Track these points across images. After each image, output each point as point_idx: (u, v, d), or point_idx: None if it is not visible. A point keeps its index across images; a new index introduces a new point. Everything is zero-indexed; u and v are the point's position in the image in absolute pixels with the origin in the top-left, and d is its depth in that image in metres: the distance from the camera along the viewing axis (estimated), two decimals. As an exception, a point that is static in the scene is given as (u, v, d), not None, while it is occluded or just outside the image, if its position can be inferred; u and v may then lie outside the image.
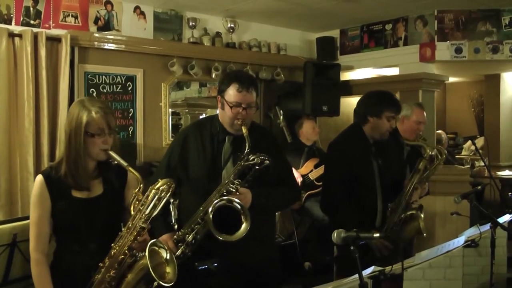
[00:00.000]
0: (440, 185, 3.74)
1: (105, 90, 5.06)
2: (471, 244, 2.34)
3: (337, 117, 6.10)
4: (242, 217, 2.31)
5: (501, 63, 5.97)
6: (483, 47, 5.63)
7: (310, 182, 4.89)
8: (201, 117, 5.87)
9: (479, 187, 3.45)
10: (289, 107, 5.99)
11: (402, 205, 3.08)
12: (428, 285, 2.03)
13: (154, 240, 2.05)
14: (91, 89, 4.97)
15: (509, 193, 5.50)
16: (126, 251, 2.06)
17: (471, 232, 2.46)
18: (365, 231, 1.87)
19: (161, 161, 2.76)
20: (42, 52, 4.50)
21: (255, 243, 2.43)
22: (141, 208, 2.07)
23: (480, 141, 6.98)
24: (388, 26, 6.19)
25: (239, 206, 2.32)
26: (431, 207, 4.43)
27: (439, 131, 6.70)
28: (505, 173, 6.53)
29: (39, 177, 2.18)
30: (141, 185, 2.10)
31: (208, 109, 6.06)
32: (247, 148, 2.40)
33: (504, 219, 2.63)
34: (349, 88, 6.44)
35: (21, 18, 4.61)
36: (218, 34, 5.84)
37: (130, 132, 5.24)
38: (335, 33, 6.66)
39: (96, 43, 4.93)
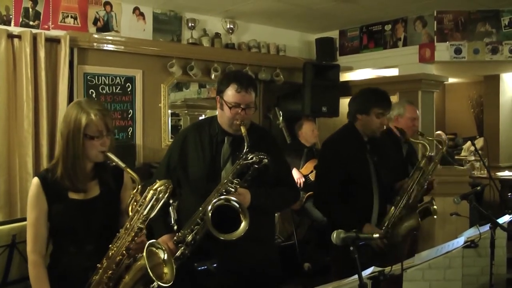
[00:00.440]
0: (439, 185, 3.74)
1: (104, 91, 5.06)
2: (470, 244, 2.33)
3: (337, 118, 6.09)
4: (241, 215, 2.31)
5: (501, 63, 5.98)
6: (482, 48, 5.63)
7: (311, 183, 4.89)
8: (200, 118, 5.87)
9: (478, 188, 3.46)
10: (289, 108, 5.99)
11: (403, 203, 3.08)
12: (428, 285, 2.03)
13: (152, 240, 2.05)
14: (90, 90, 4.97)
15: (509, 194, 5.50)
16: (124, 252, 2.06)
17: (471, 232, 2.45)
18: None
19: (161, 162, 2.77)
20: (41, 53, 4.49)
21: (255, 244, 2.44)
22: (139, 209, 2.07)
23: (479, 142, 6.98)
24: (388, 27, 6.19)
25: (237, 205, 2.32)
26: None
27: (438, 132, 6.70)
28: (505, 173, 6.54)
29: (35, 179, 2.17)
30: (139, 186, 2.10)
31: (208, 110, 6.05)
32: (245, 147, 2.40)
33: (503, 219, 2.63)
34: (348, 89, 6.44)
35: (20, 19, 4.61)
36: (217, 35, 5.84)
37: (129, 133, 5.23)
38: (334, 34, 6.67)
39: (95, 44, 4.93)
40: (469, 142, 7.35)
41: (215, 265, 2.28)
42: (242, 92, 2.46)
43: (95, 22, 5.04)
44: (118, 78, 5.15)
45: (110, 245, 2.09)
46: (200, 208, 2.39)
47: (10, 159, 4.42)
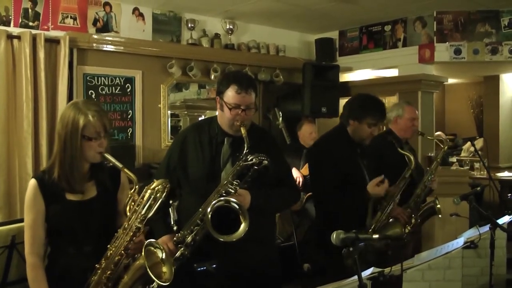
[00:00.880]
0: (439, 186, 3.75)
1: (104, 92, 5.06)
2: (470, 245, 2.33)
3: (336, 118, 6.08)
4: (241, 217, 2.31)
5: (500, 64, 5.97)
6: (482, 48, 5.63)
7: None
8: (200, 118, 5.87)
9: (478, 188, 3.47)
10: (288, 108, 5.98)
11: (390, 207, 3.11)
12: (428, 286, 2.03)
13: (150, 240, 2.05)
14: (90, 91, 4.97)
15: (508, 194, 5.49)
16: (123, 252, 2.06)
17: (471, 233, 2.45)
18: (364, 232, 1.87)
19: (161, 163, 2.77)
20: (41, 54, 4.50)
21: (255, 245, 2.43)
22: (136, 209, 2.07)
23: (479, 143, 6.96)
24: (387, 27, 6.19)
25: (237, 206, 2.32)
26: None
27: (438, 133, 6.71)
28: (504, 174, 6.54)
29: (33, 181, 2.17)
30: (136, 186, 2.09)
31: (207, 111, 6.04)
32: (245, 148, 2.39)
33: (503, 220, 2.63)
34: (348, 89, 6.44)
35: (20, 20, 4.61)
36: (217, 36, 5.84)
37: (129, 133, 5.23)
38: (334, 35, 6.67)
39: (94, 44, 4.93)
40: (468, 143, 7.35)
41: (214, 266, 2.28)
42: (242, 93, 2.45)
43: (94, 22, 5.04)
44: (117, 78, 5.15)
45: (109, 245, 2.09)
46: (200, 209, 2.39)
47: (9, 160, 4.42)
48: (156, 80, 5.41)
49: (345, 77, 6.72)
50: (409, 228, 3.41)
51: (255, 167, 2.39)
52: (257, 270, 2.51)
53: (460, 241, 2.27)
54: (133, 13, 5.32)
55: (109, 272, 2.07)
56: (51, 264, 2.21)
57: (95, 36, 4.96)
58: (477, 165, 6.74)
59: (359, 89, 6.38)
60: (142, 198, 2.08)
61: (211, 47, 5.76)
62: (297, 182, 4.38)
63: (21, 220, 2.51)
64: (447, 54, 5.70)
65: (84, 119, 2.10)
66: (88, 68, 4.95)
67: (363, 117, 3.01)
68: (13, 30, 4.50)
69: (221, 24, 5.91)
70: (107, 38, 5.04)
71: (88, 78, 4.96)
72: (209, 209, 2.29)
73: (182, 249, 2.37)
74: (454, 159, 7.41)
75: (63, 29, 4.81)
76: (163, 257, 2.04)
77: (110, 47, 5.04)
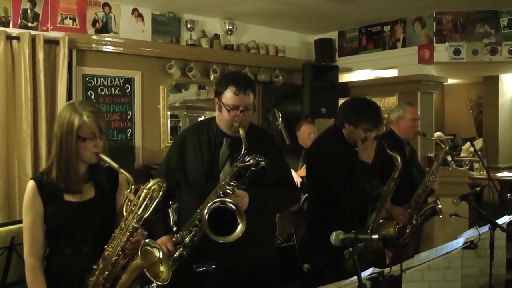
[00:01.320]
0: (439, 186, 3.75)
1: (103, 93, 5.06)
2: (470, 245, 2.33)
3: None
4: (238, 217, 2.31)
5: (500, 64, 5.97)
6: (481, 49, 5.63)
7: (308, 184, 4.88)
8: (199, 119, 5.87)
9: (478, 189, 3.47)
10: (288, 109, 5.99)
11: (384, 207, 3.13)
12: (427, 286, 2.03)
13: (147, 240, 2.05)
14: (89, 92, 4.97)
15: (508, 195, 5.49)
16: (120, 252, 2.06)
17: (470, 233, 2.45)
18: (363, 233, 1.87)
19: (161, 165, 2.77)
20: (40, 55, 4.50)
21: (255, 245, 2.43)
22: (133, 209, 2.07)
23: (478, 143, 6.96)
24: (387, 28, 6.19)
25: (234, 207, 2.32)
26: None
27: (437, 133, 6.70)
28: (504, 174, 6.53)
29: (31, 182, 2.17)
30: (133, 186, 2.09)
31: (207, 112, 6.04)
32: (243, 149, 2.39)
33: (503, 220, 2.63)
34: (347, 90, 6.44)
35: (19, 21, 4.60)
36: (216, 36, 5.84)
37: (129, 134, 5.23)
38: (333, 35, 6.67)
39: (94, 45, 4.93)
40: (468, 143, 7.33)
41: (214, 266, 2.27)
42: (241, 94, 2.45)
43: (93, 23, 5.04)
44: (117, 79, 5.15)
45: (106, 246, 2.09)
46: (198, 210, 2.39)
47: (9, 161, 4.42)
48: (156, 81, 5.41)
49: (344, 77, 6.72)
50: (409, 228, 3.42)
51: (253, 168, 2.39)
52: (256, 270, 2.50)
53: (459, 242, 2.27)
54: (132, 13, 5.31)
55: (106, 273, 2.06)
56: (50, 265, 2.21)
57: (94, 37, 4.96)
58: (476, 165, 6.73)
59: (359, 89, 6.40)
60: (138, 198, 2.08)
61: (211, 48, 5.76)
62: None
63: (20, 221, 2.51)
64: (447, 54, 5.70)
65: (79, 120, 2.10)
66: (87, 69, 4.95)
67: (359, 122, 2.99)
68: (12, 31, 4.50)
69: (221, 24, 5.91)
70: (106, 38, 5.04)
71: (87, 79, 4.96)
72: (205, 211, 2.29)
73: (180, 249, 2.37)
74: (449, 157, 7.40)
75: (62, 30, 4.81)
76: (161, 256, 2.04)
77: (109, 48, 5.04)
